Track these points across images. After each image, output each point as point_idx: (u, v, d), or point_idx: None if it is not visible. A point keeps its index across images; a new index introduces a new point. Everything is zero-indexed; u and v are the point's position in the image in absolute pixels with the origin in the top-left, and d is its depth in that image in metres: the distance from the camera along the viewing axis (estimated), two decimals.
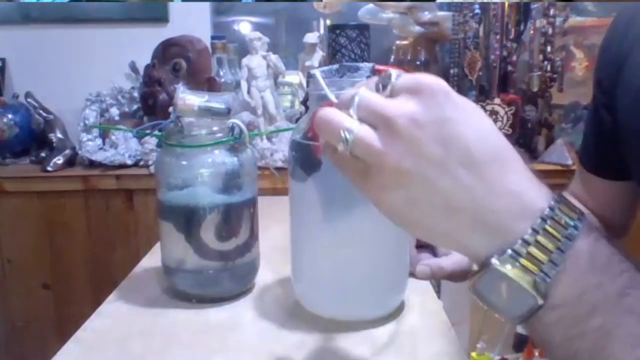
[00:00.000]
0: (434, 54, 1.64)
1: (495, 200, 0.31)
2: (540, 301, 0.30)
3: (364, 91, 0.33)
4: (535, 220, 0.31)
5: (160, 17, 1.74)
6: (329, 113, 0.34)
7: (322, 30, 1.80)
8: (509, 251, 0.31)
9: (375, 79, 0.35)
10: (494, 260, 0.31)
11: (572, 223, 0.32)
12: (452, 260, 0.66)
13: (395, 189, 0.32)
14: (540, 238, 0.31)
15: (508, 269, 0.31)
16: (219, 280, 0.60)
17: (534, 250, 0.31)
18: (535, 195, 0.32)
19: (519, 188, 0.32)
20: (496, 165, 0.32)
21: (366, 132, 0.32)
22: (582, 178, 0.73)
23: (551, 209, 0.31)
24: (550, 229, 0.31)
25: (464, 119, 0.32)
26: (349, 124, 0.32)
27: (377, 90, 0.34)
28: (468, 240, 0.32)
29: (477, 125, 0.32)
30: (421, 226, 0.33)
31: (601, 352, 0.30)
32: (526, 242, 0.31)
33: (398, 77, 0.33)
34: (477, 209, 0.31)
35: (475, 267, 0.33)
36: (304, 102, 0.55)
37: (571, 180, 0.77)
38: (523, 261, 0.31)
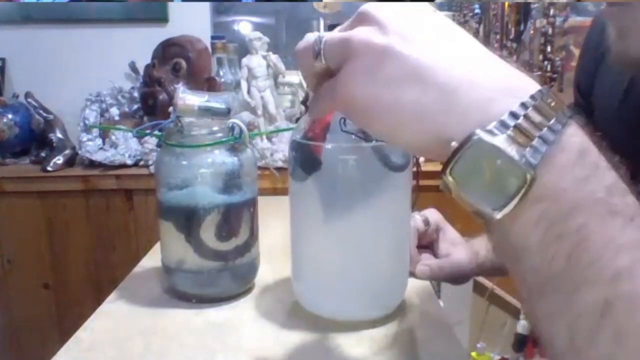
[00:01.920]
0: None
1: (475, 71, 0.29)
2: (528, 180, 0.26)
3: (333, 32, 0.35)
4: (524, 95, 0.28)
5: (160, 17, 1.74)
6: (305, 39, 0.35)
7: (322, 30, 1.80)
8: (495, 122, 0.27)
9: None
10: (479, 131, 0.27)
11: (563, 110, 0.28)
12: (453, 261, 0.66)
13: (365, 71, 0.30)
14: (530, 112, 0.27)
15: (495, 140, 0.27)
16: (219, 280, 0.60)
17: (523, 124, 0.27)
18: (519, 75, 0.29)
19: (501, 63, 0.30)
20: (474, 43, 0.31)
21: (335, 32, 0.33)
22: None
23: (540, 91, 0.28)
24: (540, 107, 0.28)
25: (429, 11, 0.32)
26: (319, 36, 0.34)
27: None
28: (444, 118, 0.29)
29: (442, 17, 0.32)
30: (392, 110, 0.30)
31: (580, 257, 0.26)
32: (514, 116, 0.27)
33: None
34: (454, 81, 0.29)
35: (452, 145, 0.28)
36: (304, 102, 0.55)
37: None
38: (511, 134, 0.27)
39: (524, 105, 0.27)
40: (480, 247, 0.69)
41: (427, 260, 0.66)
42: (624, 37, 0.45)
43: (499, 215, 0.27)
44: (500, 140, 0.27)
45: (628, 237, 0.26)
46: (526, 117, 0.27)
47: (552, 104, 0.28)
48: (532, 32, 1.47)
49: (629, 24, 0.43)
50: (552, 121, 0.28)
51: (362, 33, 0.31)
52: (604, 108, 0.61)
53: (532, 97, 0.28)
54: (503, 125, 0.27)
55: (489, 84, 0.28)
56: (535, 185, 0.27)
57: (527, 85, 0.29)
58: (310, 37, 0.35)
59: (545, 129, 0.27)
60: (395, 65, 0.30)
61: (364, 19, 0.32)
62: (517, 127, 0.27)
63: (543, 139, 0.27)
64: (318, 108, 0.36)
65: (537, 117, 0.27)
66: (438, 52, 0.30)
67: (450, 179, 0.28)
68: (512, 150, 0.27)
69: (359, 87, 0.31)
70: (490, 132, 0.27)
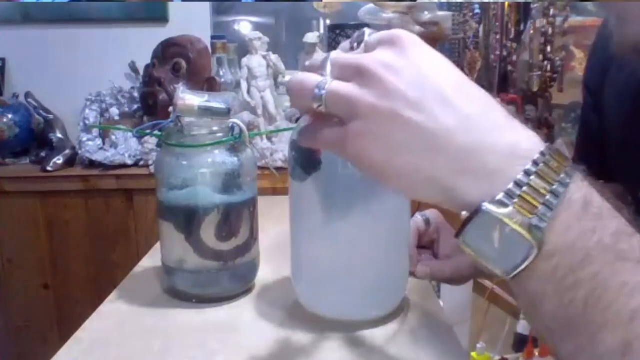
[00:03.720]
0: None
1: (480, 138, 0.30)
2: (536, 247, 0.28)
3: (335, 52, 0.34)
4: (527, 162, 0.29)
5: (160, 17, 1.75)
6: (300, 76, 0.34)
7: (322, 30, 1.80)
8: (501, 194, 0.29)
9: (341, 44, 0.36)
10: (486, 204, 0.29)
11: (564, 168, 0.30)
12: (453, 262, 0.66)
13: (374, 136, 0.31)
14: (533, 181, 0.29)
15: (501, 212, 0.29)
16: (219, 280, 0.60)
17: (527, 193, 0.29)
18: (522, 136, 0.30)
19: (505, 126, 0.31)
20: (476, 104, 0.31)
21: (339, 84, 0.32)
22: None
23: (542, 153, 0.30)
24: (543, 173, 0.29)
25: (436, 64, 0.32)
26: (323, 82, 0.32)
27: (350, 50, 0.35)
28: (454, 183, 0.30)
29: (448, 71, 0.32)
30: (404, 174, 0.31)
31: (597, 303, 0.28)
32: (519, 185, 0.29)
33: (370, 34, 0.34)
34: (462, 147, 0.30)
35: (464, 214, 0.30)
36: None
37: None
38: (517, 204, 0.29)
39: (527, 173, 0.29)
40: None
41: (427, 261, 0.66)
42: (623, 24, 0.45)
43: (511, 277, 0.30)
44: (507, 212, 0.29)
45: (639, 279, 0.28)
46: (530, 185, 0.29)
47: (555, 165, 0.30)
48: (532, 32, 1.47)
49: (626, 9, 0.44)
50: (556, 186, 0.29)
51: (367, 96, 0.31)
52: (615, 107, 0.61)
53: (535, 162, 0.29)
54: (509, 194, 0.29)
55: (496, 149, 0.30)
56: (544, 245, 0.29)
57: (531, 146, 0.30)
58: (309, 78, 0.33)
59: (549, 195, 0.29)
60: (404, 132, 0.30)
61: (367, 74, 0.31)
62: (522, 197, 0.29)
63: (548, 205, 0.29)
64: (317, 143, 0.35)
65: (540, 184, 0.29)
66: (445, 118, 0.30)
67: (463, 243, 0.31)
68: (519, 221, 0.28)
69: (369, 151, 0.31)
70: (498, 202, 0.29)
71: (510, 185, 0.29)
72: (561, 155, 0.30)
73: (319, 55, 0.37)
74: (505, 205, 0.29)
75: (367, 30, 0.34)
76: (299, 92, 0.34)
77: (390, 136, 0.31)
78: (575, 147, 0.74)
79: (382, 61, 0.31)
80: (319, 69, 0.34)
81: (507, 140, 0.30)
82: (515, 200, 0.29)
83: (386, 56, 0.31)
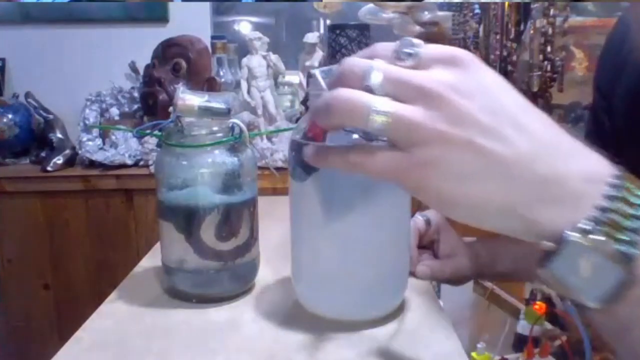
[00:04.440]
0: None
1: (557, 164, 0.28)
2: (627, 274, 0.27)
3: (384, 64, 0.30)
4: (604, 186, 0.28)
5: (160, 17, 1.75)
6: (347, 93, 0.29)
7: (322, 30, 1.80)
8: (585, 221, 0.27)
9: (377, 48, 0.32)
10: (571, 233, 0.27)
11: None
12: (453, 263, 0.66)
13: (444, 165, 0.28)
14: (616, 205, 0.27)
15: (589, 240, 0.27)
16: (219, 280, 0.60)
17: (612, 218, 0.27)
18: (593, 160, 0.29)
19: (576, 150, 0.29)
20: (549, 129, 0.29)
21: (403, 107, 0.29)
22: None
23: (616, 177, 0.28)
24: (624, 196, 0.28)
25: (502, 86, 0.30)
26: (380, 102, 0.29)
27: (396, 61, 0.31)
28: (532, 213, 0.28)
29: (514, 93, 0.30)
30: (476, 205, 0.29)
31: None
32: (602, 210, 0.27)
33: (419, 45, 0.30)
34: (539, 175, 0.28)
35: (546, 244, 0.28)
36: (304, 102, 0.55)
37: None
38: (603, 231, 0.27)
39: (609, 197, 0.28)
40: (481, 248, 0.69)
41: (427, 261, 0.66)
42: None
43: (600, 306, 0.28)
44: (594, 240, 0.27)
45: None
46: (614, 210, 0.27)
47: (632, 187, 0.28)
48: (532, 32, 1.47)
49: None
50: (637, 208, 0.28)
51: (436, 121, 0.28)
52: (627, 108, 0.60)
53: (614, 185, 0.28)
54: (594, 221, 0.27)
55: (572, 175, 0.28)
56: (636, 269, 0.27)
57: (603, 169, 0.29)
58: (358, 96, 0.29)
59: (634, 219, 0.27)
60: (478, 161, 0.28)
61: (432, 96, 0.29)
62: (607, 223, 0.27)
63: (634, 230, 0.27)
64: (367, 171, 0.31)
65: (624, 208, 0.27)
66: (521, 144, 0.29)
67: (546, 274, 0.29)
68: (607, 248, 0.27)
69: (437, 181, 0.29)
70: (583, 230, 0.27)
71: (593, 212, 0.28)
72: (631, 175, 0.29)
73: (352, 60, 0.30)
74: (590, 232, 0.27)
75: (414, 40, 0.30)
76: (348, 111, 0.30)
77: (462, 165, 0.28)
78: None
79: (449, 83, 0.29)
80: (360, 78, 0.30)
81: (581, 165, 0.29)
82: (601, 227, 0.27)
83: (451, 77, 0.29)
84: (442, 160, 0.29)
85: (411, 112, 0.29)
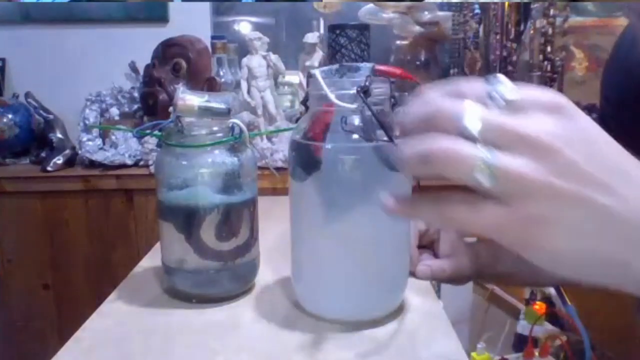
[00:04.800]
0: (434, 54, 1.64)
1: None
2: None
3: (479, 108, 0.28)
4: None
5: (160, 17, 1.75)
6: (448, 143, 0.28)
7: (322, 30, 1.80)
8: None
9: (464, 88, 0.29)
10: None
11: None
12: (453, 262, 0.66)
13: (554, 222, 0.27)
14: None
15: None
16: (219, 280, 0.60)
17: None
18: None
19: None
20: None
21: (514, 161, 0.27)
22: None
23: None
24: None
25: (601, 134, 0.29)
26: (486, 154, 0.27)
27: (487, 102, 0.29)
28: None
29: (611, 139, 0.29)
30: (588, 263, 0.28)
31: None
32: None
33: (514, 89, 0.29)
34: None
35: None
36: (304, 102, 0.54)
37: None
38: None
39: None
40: (482, 248, 0.69)
41: (427, 261, 0.66)
42: None
43: None
44: None
45: None
46: None
47: None
48: (532, 32, 1.47)
49: None
50: None
51: (547, 175, 0.27)
52: (636, 118, 0.60)
53: None
54: None
55: None
56: None
57: None
58: (461, 147, 0.27)
59: None
60: (592, 218, 0.27)
61: (540, 147, 0.27)
62: None
63: None
64: (467, 224, 0.29)
65: None
66: (635, 199, 0.28)
67: None
68: None
69: (545, 238, 0.28)
70: None
71: None
72: None
73: (441, 101, 0.28)
74: None
75: (504, 80, 0.29)
76: (451, 164, 0.28)
77: (574, 221, 0.27)
78: None
79: (554, 132, 0.27)
80: (453, 121, 0.28)
81: None
82: None
83: (555, 126, 0.28)
84: (552, 217, 0.27)
85: (519, 164, 0.27)
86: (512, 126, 0.27)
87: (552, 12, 1.42)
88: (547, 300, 1.30)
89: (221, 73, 1.54)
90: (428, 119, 0.29)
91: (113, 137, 1.51)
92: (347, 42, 1.43)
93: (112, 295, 0.63)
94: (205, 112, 0.58)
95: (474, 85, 0.30)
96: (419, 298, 0.61)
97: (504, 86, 0.29)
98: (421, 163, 0.29)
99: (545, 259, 0.29)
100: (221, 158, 0.58)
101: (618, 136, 0.30)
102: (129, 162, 1.46)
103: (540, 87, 0.29)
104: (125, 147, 1.49)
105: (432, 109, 0.29)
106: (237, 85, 1.51)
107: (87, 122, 1.56)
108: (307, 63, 1.50)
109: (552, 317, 1.25)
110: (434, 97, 0.29)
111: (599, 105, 0.70)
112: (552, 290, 1.23)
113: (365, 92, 0.48)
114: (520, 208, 0.27)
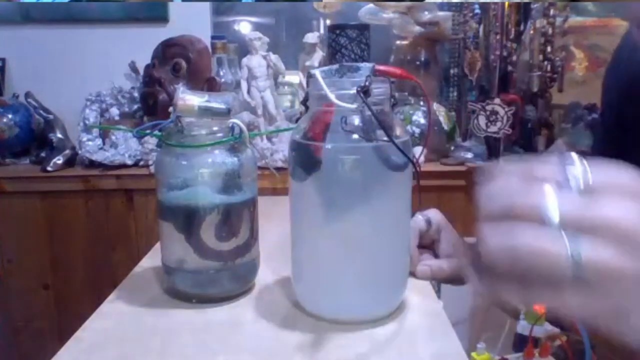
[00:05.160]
0: (434, 54, 1.64)
1: None
2: None
3: (559, 195, 0.28)
4: None
5: (160, 17, 1.75)
6: (537, 241, 0.27)
7: (322, 30, 1.80)
8: None
9: (537, 172, 0.29)
10: None
11: None
12: (453, 262, 0.66)
13: None
14: None
15: None
16: (219, 280, 0.60)
17: None
18: None
19: None
20: None
21: (596, 250, 0.27)
22: None
23: None
24: None
25: None
26: (569, 246, 0.27)
27: (564, 185, 0.29)
28: None
29: None
30: None
31: None
32: None
33: (589, 173, 0.29)
34: None
35: None
36: (304, 102, 0.54)
37: None
38: None
39: None
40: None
41: (427, 261, 0.66)
42: None
43: None
44: None
45: None
46: None
47: None
48: (532, 32, 1.47)
49: None
50: None
51: (631, 261, 0.27)
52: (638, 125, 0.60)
53: None
54: None
55: None
56: None
57: None
58: (548, 244, 0.27)
59: None
60: None
61: (627, 237, 0.27)
62: None
63: None
64: (554, 305, 0.29)
65: None
66: None
67: None
68: None
69: (633, 328, 0.28)
70: None
71: None
72: None
73: (518, 192, 0.29)
74: None
75: (575, 159, 0.29)
76: (541, 260, 0.28)
77: None
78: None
79: (634, 218, 0.27)
80: (534, 211, 0.28)
81: None
82: None
83: (634, 210, 0.27)
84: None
85: (605, 255, 0.27)
86: (594, 213, 0.27)
87: (552, 12, 1.42)
88: None
89: (221, 73, 1.54)
90: (511, 211, 0.29)
91: (113, 137, 1.51)
92: (347, 42, 1.43)
93: (112, 295, 0.63)
94: (205, 112, 0.58)
95: (550, 167, 0.30)
96: (419, 298, 0.61)
97: (579, 168, 0.29)
98: (507, 258, 0.29)
99: (635, 341, 0.29)
100: (221, 158, 0.58)
101: (620, 143, 0.30)
102: (129, 162, 1.46)
103: (615, 167, 0.29)
104: (125, 147, 1.49)
105: (513, 201, 0.29)
106: (237, 85, 1.51)
107: (87, 122, 1.56)
108: (307, 63, 1.50)
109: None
110: (513, 183, 0.29)
111: (599, 112, 0.70)
112: None
113: (365, 92, 0.48)
114: (607, 296, 0.27)
